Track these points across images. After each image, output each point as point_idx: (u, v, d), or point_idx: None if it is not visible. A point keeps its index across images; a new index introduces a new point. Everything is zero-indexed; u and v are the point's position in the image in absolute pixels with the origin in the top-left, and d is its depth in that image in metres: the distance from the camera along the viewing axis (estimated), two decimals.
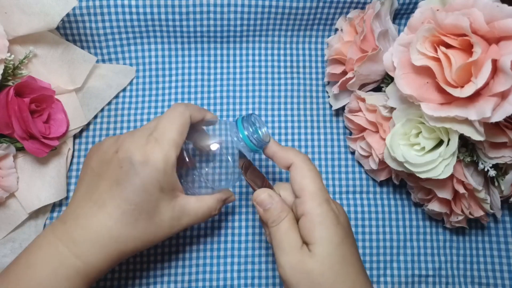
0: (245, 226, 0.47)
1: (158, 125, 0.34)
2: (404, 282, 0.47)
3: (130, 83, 0.50)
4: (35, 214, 0.45)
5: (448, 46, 0.36)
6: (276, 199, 0.34)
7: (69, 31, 0.47)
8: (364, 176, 0.50)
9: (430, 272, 0.47)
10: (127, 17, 0.47)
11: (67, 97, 0.46)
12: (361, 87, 0.46)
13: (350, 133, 0.50)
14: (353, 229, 0.43)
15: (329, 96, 0.51)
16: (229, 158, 0.37)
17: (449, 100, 0.37)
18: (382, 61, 0.40)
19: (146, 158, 0.32)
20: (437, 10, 0.37)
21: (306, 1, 0.48)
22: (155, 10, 0.47)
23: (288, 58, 0.52)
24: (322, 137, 0.50)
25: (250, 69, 0.52)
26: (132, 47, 0.50)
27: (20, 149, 0.43)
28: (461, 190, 0.41)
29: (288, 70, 0.52)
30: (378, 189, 0.50)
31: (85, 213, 0.32)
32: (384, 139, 0.42)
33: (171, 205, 0.34)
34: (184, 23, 0.49)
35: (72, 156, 0.48)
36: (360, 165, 0.50)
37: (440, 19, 0.36)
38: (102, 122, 0.49)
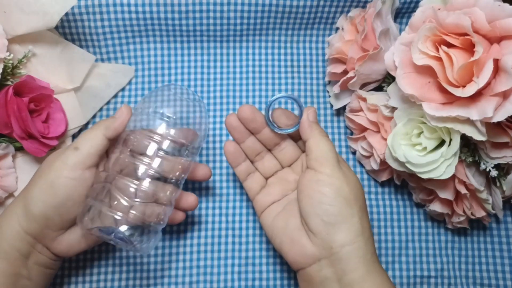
0: (245, 227, 0.47)
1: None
2: (406, 283, 0.47)
3: (129, 83, 0.50)
4: None
5: (449, 45, 0.36)
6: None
7: (68, 30, 0.47)
8: (365, 176, 0.49)
9: (432, 273, 0.47)
10: (126, 16, 0.47)
11: (66, 96, 0.45)
12: (362, 86, 0.46)
13: (351, 133, 0.49)
14: None
15: (330, 96, 0.51)
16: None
17: (451, 99, 0.37)
18: (383, 60, 0.40)
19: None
20: (439, 9, 0.37)
21: None
22: (155, 9, 0.47)
23: (289, 57, 0.52)
24: None
25: (250, 69, 0.51)
26: (131, 46, 0.50)
27: (19, 149, 0.43)
28: (463, 190, 0.41)
29: (289, 69, 0.52)
30: (379, 189, 0.49)
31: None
32: (385, 139, 0.42)
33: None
34: (184, 22, 0.48)
35: None
36: (362, 165, 0.50)
37: (441, 18, 0.36)
38: None
